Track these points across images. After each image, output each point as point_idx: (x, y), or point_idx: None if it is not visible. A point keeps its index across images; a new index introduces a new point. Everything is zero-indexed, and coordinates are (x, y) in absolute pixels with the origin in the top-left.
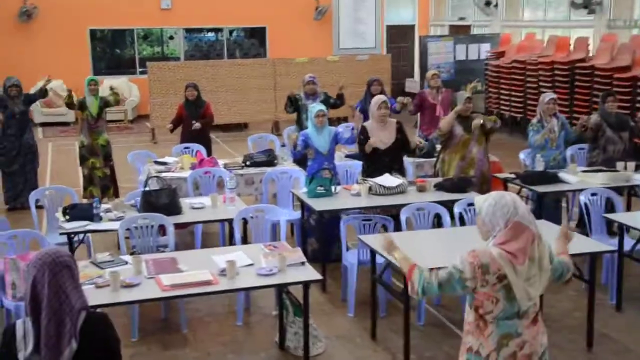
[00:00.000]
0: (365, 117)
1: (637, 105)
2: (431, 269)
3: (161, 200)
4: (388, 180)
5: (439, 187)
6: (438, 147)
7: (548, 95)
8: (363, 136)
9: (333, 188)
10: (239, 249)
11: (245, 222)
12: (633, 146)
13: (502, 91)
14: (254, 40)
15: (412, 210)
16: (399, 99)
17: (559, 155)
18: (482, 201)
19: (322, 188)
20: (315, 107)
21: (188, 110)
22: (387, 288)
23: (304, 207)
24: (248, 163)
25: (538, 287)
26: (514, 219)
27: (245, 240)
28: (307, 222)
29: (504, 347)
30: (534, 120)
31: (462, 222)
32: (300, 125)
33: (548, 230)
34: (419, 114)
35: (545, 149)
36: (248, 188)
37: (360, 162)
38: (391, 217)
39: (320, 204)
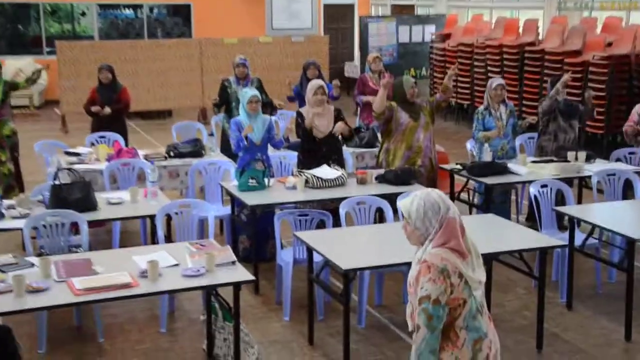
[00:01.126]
0: (302, 103)
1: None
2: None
3: (73, 195)
4: (326, 172)
5: (381, 179)
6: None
7: (496, 81)
8: (301, 120)
9: (266, 181)
10: (162, 248)
11: (169, 218)
12: (585, 135)
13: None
14: (177, 19)
15: (352, 205)
16: (334, 82)
17: (507, 144)
18: (408, 204)
19: (254, 181)
20: (247, 92)
21: (101, 95)
22: (326, 289)
23: (234, 201)
24: (172, 154)
25: (482, 272)
26: (447, 216)
27: (169, 239)
28: (238, 218)
29: (478, 352)
30: (481, 108)
31: None
32: (230, 113)
33: (497, 225)
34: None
35: (492, 139)
36: (172, 181)
37: (296, 153)
38: (329, 211)
39: (252, 198)
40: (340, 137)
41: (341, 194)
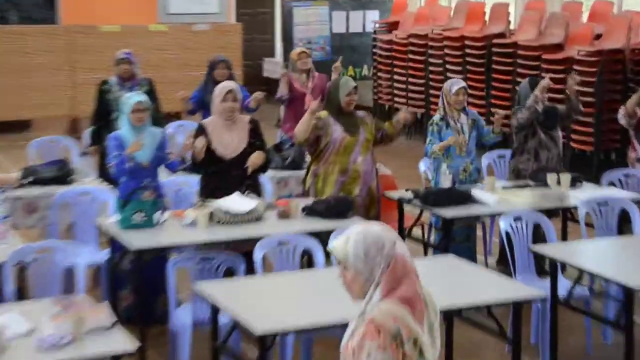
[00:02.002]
0: (206, 114)
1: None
2: None
3: None
4: (237, 202)
5: (309, 211)
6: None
7: (455, 83)
8: (203, 135)
9: (157, 215)
10: (11, 308)
11: (22, 268)
12: (570, 152)
13: (397, 76)
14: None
15: (272, 245)
16: (255, 95)
17: (470, 165)
18: (342, 245)
19: (141, 215)
20: (131, 97)
21: None
22: (236, 358)
23: (114, 244)
24: (29, 180)
25: (438, 331)
26: (394, 252)
27: (22, 295)
28: (119, 265)
29: None
30: (436, 117)
31: None
32: (110, 126)
33: (458, 270)
34: (282, 107)
35: (451, 157)
36: (28, 217)
37: (197, 178)
38: (242, 255)
39: (138, 239)
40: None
41: (257, 231)
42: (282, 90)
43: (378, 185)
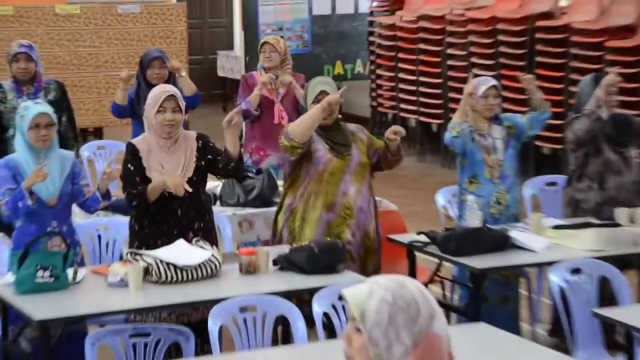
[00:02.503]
0: (138, 129)
1: None
2: None
3: None
4: (183, 253)
5: (284, 263)
6: (281, 184)
7: (484, 82)
8: (132, 166)
9: (69, 273)
10: None
11: None
12: None
13: (403, 74)
14: None
15: (233, 312)
16: (173, 63)
17: (506, 194)
18: (363, 295)
19: (46, 273)
20: (29, 108)
21: None
22: None
23: (8, 314)
24: None
25: None
26: (430, 330)
27: None
28: (16, 344)
29: None
30: (455, 118)
31: (331, 331)
32: (4, 146)
33: (494, 343)
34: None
35: (478, 182)
36: None
37: (126, 219)
38: (190, 326)
39: (42, 307)
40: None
41: (212, 292)
42: (253, 104)
43: (378, 226)
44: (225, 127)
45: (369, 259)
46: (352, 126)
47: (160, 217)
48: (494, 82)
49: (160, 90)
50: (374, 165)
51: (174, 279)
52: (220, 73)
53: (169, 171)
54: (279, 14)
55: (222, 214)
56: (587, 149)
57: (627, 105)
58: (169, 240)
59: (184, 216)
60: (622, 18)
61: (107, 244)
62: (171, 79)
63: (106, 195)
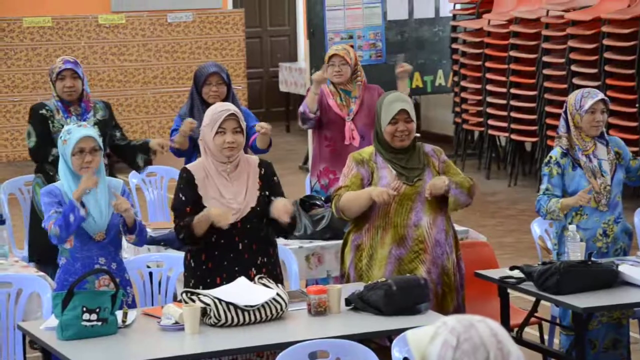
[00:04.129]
0: (193, 154)
1: None
2: None
3: None
4: (245, 292)
5: (358, 303)
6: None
7: (589, 96)
8: (184, 195)
9: (118, 315)
10: None
11: None
12: None
13: (491, 87)
14: None
15: (301, 359)
16: (260, 126)
17: (614, 225)
18: (426, 340)
19: (92, 316)
20: (73, 131)
21: None
22: None
23: None
24: None
25: None
26: None
27: None
28: None
29: None
30: (555, 153)
31: None
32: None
33: None
34: (310, 138)
35: (582, 213)
36: None
37: (180, 255)
38: None
39: (90, 353)
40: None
41: (278, 336)
42: (309, 104)
43: (460, 261)
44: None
45: (448, 299)
46: (428, 147)
47: (219, 252)
48: (600, 95)
49: (219, 110)
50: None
51: (235, 321)
52: (282, 88)
53: (229, 200)
54: (349, 20)
55: (287, 248)
56: None
57: None
58: (230, 277)
59: (245, 250)
60: None
61: (159, 283)
62: (229, 96)
63: (133, 228)
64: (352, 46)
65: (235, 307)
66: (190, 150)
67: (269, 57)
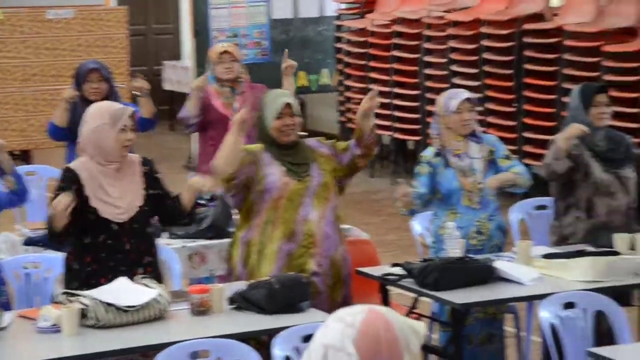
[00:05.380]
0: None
1: None
2: None
3: None
4: (125, 292)
5: (241, 302)
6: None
7: (455, 95)
8: (70, 185)
9: None
10: None
11: None
12: None
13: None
14: None
15: (182, 359)
16: (135, 82)
17: (488, 222)
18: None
19: None
20: None
21: None
22: None
23: None
24: None
25: None
26: None
27: None
28: None
29: None
30: (427, 153)
31: None
32: None
33: None
34: (198, 137)
35: (456, 212)
36: None
37: (59, 256)
38: None
39: None
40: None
41: (159, 336)
42: (190, 110)
43: (347, 256)
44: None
45: (336, 292)
46: (311, 141)
47: (106, 254)
48: (467, 94)
49: (119, 107)
50: (350, 168)
51: (115, 322)
52: (166, 86)
53: (116, 200)
54: (233, 18)
55: (169, 247)
56: (571, 177)
57: (626, 117)
58: (115, 278)
59: (132, 250)
60: (621, 19)
61: (36, 284)
62: (111, 93)
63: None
64: (237, 44)
65: (116, 307)
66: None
67: (153, 55)
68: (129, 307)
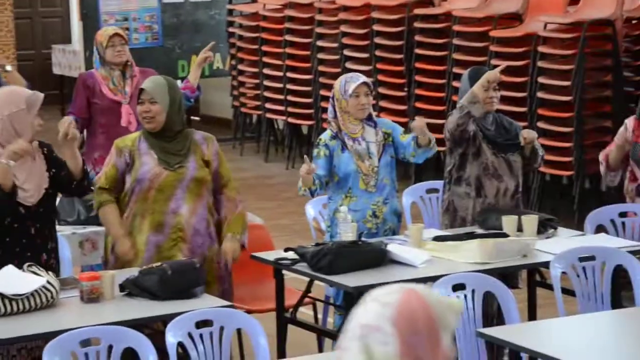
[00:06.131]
0: None
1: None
2: None
3: None
4: (13, 279)
5: (132, 288)
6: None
7: (352, 80)
8: None
9: None
10: None
11: None
12: (540, 179)
13: (268, 70)
14: None
15: (72, 347)
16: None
17: (383, 206)
18: None
19: None
20: None
21: None
22: None
23: None
24: None
25: None
26: None
27: None
28: None
29: None
30: (324, 136)
31: None
32: None
33: None
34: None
35: (352, 195)
36: None
37: None
38: None
39: None
40: None
41: (48, 324)
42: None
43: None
44: (61, 142)
45: (213, 286)
46: (199, 135)
47: (11, 238)
48: (363, 78)
49: (32, 93)
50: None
51: (2, 310)
52: (56, 70)
53: (22, 184)
54: (124, 1)
55: (60, 234)
56: (465, 150)
57: (513, 101)
58: (21, 264)
59: (38, 235)
60: (507, 5)
61: None
62: None
63: None
64: (127, 29)
65: (3, 296)
66: None
67: (41, 39)
68: (16, 295)
